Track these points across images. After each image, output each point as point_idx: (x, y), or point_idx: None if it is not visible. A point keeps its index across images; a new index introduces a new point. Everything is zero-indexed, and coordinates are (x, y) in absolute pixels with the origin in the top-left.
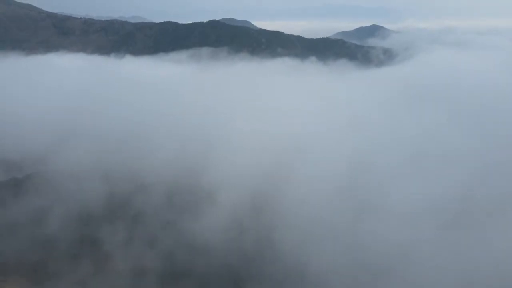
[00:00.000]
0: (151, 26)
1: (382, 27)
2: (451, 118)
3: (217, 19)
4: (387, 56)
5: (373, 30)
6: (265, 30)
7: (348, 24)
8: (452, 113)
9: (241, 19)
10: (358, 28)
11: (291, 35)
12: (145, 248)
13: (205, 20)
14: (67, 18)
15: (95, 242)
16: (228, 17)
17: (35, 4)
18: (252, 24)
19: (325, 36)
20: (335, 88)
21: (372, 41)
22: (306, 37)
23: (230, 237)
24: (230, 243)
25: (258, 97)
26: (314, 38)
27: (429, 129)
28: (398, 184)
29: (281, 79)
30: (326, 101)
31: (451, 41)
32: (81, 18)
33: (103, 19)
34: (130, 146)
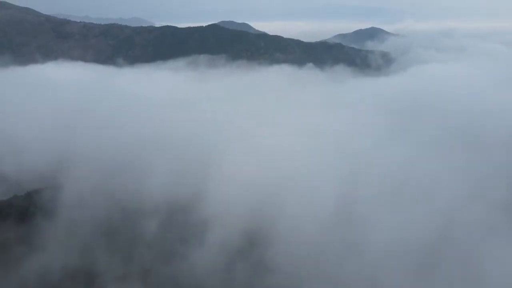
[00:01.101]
0: (150, 30)
1: (380, 29)
2: (437, 142)
3: (216, 22)
4: (385, 61)
5: (372, 33)
6: (264, 34)
7: (347, 25)
8: (439, 136)
9: (241, 21)
10: (356, 31)
11: (290, 39)
12: (137, 282)
13: (204, 24)
14: (67, 22)
15: (89, 273)
16: (227, 20)
17: (34, 6)
18: (251, 27)
19: (324, 39)
20: (327, 105)
21: (370, 45)
22: (304, 40)
23: (220, 275)
24: (220, 282)
25: (252, 117)
26: (313, 41)
27: (415, 156)
28: (383, 220)
29: (275, 95)
30: (317, 122)
31: (448, 46)
32: (80, 22)
33: (103, 23)
34: (125, 165)
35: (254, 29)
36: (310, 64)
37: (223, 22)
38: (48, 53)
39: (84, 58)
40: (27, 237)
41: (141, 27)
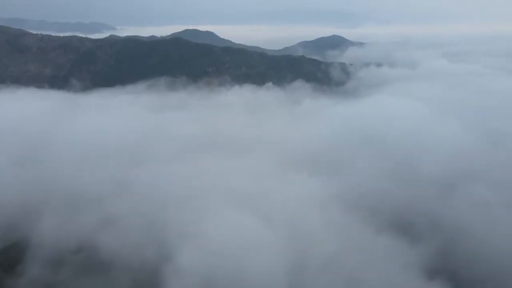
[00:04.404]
0: (112, 43)
1: (341, 37)
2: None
3: (180, 31)
4: (343, 73)
5: (333, 41)
6: (229, 48)
7: (310, 30)
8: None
9: (205, 26)
10: (318, 39)
11: (255, 51)
12: None
13: (169, 31)
14: (23, 34)
15: None
16: (191, 28)
17: None
18: (216, 35)
19: (287, 46)
20: (274, 156)
21: (331, 54)
22: (269, 48)
23: None
24: None
25: (197, 177)
26: (277, 51)
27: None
28: None
29: (228, 135)
30: (259, 187)
31: (401, 60)
32: (38, 34)
33: (62, 35)
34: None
35: (219, 37)
36: (270, 84)
37: (187, 31)
38: (2, 69)
39: (42, 75)
40: None
41: (103, 39)
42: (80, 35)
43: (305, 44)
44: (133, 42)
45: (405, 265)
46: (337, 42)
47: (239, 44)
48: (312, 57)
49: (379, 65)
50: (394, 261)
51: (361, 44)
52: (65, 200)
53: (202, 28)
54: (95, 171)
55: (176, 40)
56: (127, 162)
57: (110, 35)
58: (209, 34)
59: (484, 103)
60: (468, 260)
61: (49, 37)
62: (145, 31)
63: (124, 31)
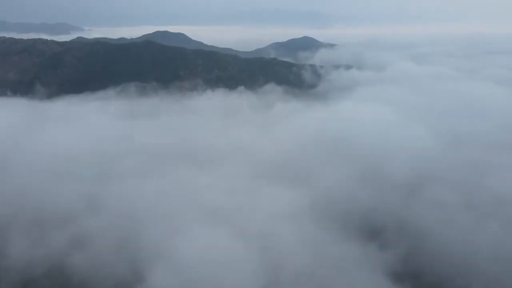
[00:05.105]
0: (80, 46)
1: (312, 39)
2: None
3: (151, 32)
4: (314, 76)
5: (304, 43)
6: (201, 51)
7: (281, 30)
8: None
9: (176, 27)
10: (290, 40)
11: (227, 54)
12: None
13: (139, 34)
14: None
15: None
16: (162, 29)
17: None
18: (188, 37)
19: (260, 47)
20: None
21: (303, 56)
22: (241, 49)
23: None
24: None
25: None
26: (249, 53)
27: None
28: None
29: (197, 146)
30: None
31: (369, 63)
32: None
33: (25, 38)
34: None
35: (190, 39)
36: (242, 87)
37: (158, 32)
38: None
39: (4, 81)
40: None
41: (70, 42)
42: (46, 37)
43: (277, 46)
44: (102, 45)
45: (374, 271)
46: (308, 44)
47: (211, 46)
48: (284, 59)
49: (348, 67)
50: (363, 267)
51: (331, 45)
52: (31, 219)
53: (173, 29)
54: (63, 186)
55: (147, 43)
56: (97, 176)
57: (78, 37)
58: (181, 35)
59: (449, 106)
60: (432, 262)
61: (12, 39)
62: (115, 33)
63: (92, 33)
